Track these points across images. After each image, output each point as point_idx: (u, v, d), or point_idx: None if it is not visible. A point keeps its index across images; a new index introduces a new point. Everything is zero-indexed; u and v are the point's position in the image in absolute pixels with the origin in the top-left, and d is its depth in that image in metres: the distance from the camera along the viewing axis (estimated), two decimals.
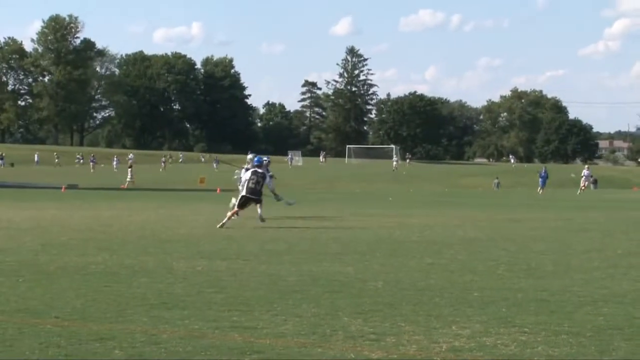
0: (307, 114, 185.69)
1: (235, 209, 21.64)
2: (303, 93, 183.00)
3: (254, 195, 21.60)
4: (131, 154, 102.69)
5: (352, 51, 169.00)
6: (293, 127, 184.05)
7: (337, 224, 22.65)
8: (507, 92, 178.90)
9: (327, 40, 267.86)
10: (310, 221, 23.29)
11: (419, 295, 10.05)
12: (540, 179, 59.61)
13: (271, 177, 24.67)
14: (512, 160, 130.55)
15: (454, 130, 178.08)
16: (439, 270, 12.61)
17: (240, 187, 22.64)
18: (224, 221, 20.72)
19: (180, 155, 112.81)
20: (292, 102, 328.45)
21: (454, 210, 30.92)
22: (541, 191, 57.02)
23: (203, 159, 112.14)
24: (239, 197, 21.90)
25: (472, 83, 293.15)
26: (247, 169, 23.02)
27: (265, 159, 24.16)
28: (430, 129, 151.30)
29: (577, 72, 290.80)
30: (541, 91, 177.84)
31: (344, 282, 11.17)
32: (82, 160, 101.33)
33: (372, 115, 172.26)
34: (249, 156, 23.85)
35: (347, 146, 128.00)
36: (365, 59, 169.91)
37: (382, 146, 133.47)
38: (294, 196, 26.77)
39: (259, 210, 21.62)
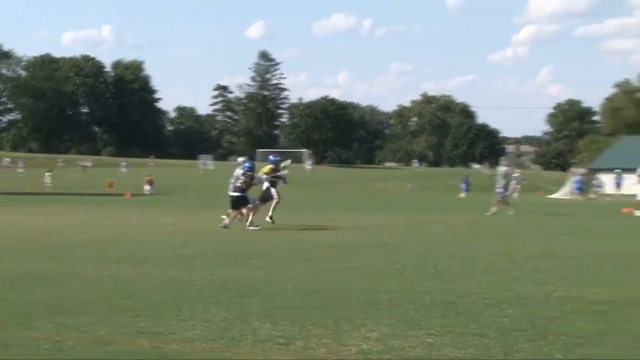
0: (219, 117, 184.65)
1: (244, 211, 22.93)
2: (215, 97, 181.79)
3: (237, 193, 22.82)
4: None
5: (264, 55, 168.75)
6: (204, 131, 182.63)
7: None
8: (417, 97, 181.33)
9: (239, 44, 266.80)
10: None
11: (328, 299, 10.09)
12: (463, 184, 61.20)
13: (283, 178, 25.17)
14: (416, 164, 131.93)
15: (365, 135, 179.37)
16: (348, 273, 12.69)
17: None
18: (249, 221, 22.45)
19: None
20: (204, 106, 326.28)
21: (366, 214, 31.15)
22: (464, 195, 58.46)
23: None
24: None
25: (384, 88, 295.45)
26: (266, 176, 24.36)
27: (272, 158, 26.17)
28: (342, 133, 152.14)
29: (486, 77, 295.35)
30: (451, 96, 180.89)
31: (254, 286, 11.14)
32: None
33: (284, 119, 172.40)
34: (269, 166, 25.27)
35: (257, 150, 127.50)
36: (278, 63, 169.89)
37: (293, 150, 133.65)
38: (208, 201, 26.48)
39: (234, 215, 22.69)
